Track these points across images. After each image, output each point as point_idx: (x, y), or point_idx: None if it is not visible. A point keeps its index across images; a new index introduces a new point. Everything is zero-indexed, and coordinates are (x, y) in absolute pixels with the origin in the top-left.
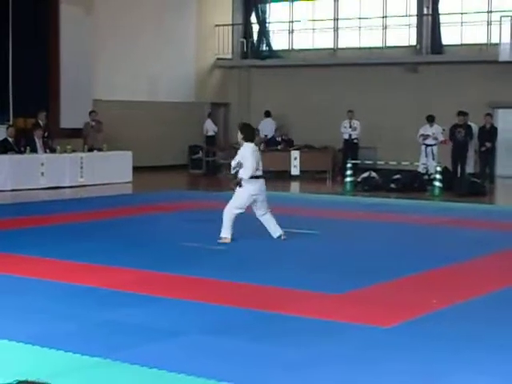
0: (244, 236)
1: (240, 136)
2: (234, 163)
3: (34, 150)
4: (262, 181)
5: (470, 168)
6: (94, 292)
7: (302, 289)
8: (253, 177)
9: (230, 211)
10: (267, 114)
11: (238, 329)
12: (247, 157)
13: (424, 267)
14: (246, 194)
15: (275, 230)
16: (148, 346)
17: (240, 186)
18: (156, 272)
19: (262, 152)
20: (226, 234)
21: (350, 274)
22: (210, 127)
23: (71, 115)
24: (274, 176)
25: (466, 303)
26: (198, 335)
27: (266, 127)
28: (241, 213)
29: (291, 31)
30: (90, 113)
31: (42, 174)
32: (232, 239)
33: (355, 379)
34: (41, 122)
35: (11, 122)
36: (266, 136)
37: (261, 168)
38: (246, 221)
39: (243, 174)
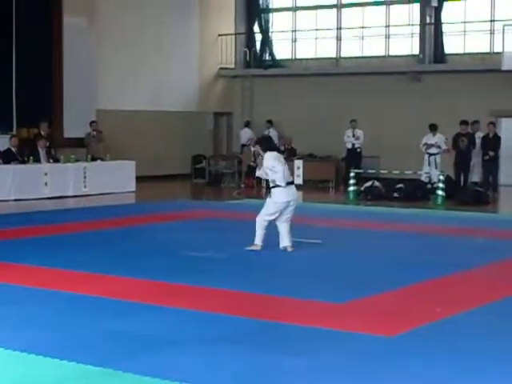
0: (244, 245)
1: (259, 148)
2: (265, 175)
3: (37, 160)
4: (293, 186)
5: (475, 177)
6: (96, 301)
7: (305, 298)
8: (287, 183)
9: (262, 219)
10: (270, 123)
11: (239, 338)
12: (274, 165)
13: (427, 276)
14: (280, 201)
15: (284, 240)
16: (150, 356)
17: (270, 194)
18: (158, 281)
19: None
20: (256, 241)
21: (353, 283)
22: (246, 136)
23: (75, 125)
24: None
25: (469, 312)
26: (200, 344)
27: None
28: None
29: (294, 40)
30: (91, 123)
31: (46, 183)
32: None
33: None
34: (43, 133)
35: (14, 132)
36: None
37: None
38: (249, 229)
39: (278, 181)
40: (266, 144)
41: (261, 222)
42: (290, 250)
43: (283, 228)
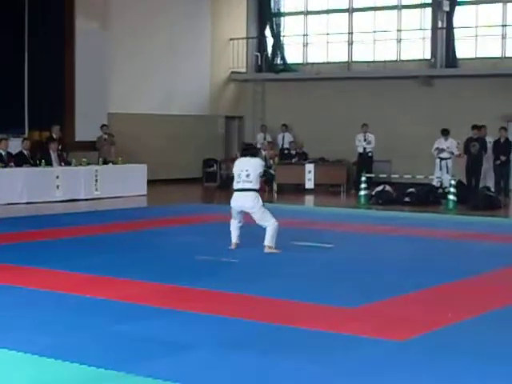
0: (256, 248)
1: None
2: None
3: (49, 163)
4: (244, 193)
5: (488, 182)
6: (108, 304)
7: (316, 302)
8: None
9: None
10: (285, 127)
11: (252, 342)
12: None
13: (439, 281)
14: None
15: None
16: (161, 359)
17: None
18: (169, 285)
19: (276, 165)
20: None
21: (363, 288)
22: (260, 140)
23: (86, 128)
24: (288, 189)
25: (481, 317)
26: (213, 348)
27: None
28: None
29: (305, 44)
30: (102, 126)
31: (58, 186)
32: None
33: None
34: (54, 136)
35: (26, 135)
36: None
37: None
38: (259, 233)
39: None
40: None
41: (231, 223)
42: (266, 250)
43: (266, 230)
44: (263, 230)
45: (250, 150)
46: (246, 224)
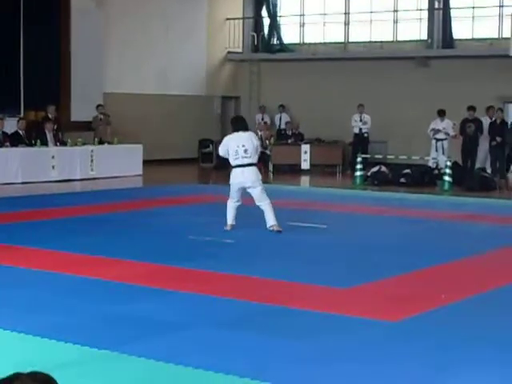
0: (252, 229)
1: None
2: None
3: (44, 143)
4: (248, 169)
5: (484, 163)
6: (102, 285)
7: (310, 283)
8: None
9: (228, 201)
10: (282, 108)
11: (245, 322)
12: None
13: (433, 262)
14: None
15: (268, 221)
16: (156, 339)
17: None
18: (164, 265)
19: (272, 145)
20: (228, 221)
21: (357, 268)
22: (258, 120)
23: (82, 108)
24: (284, 170)
25: (474, 298)
26: (206, 328)
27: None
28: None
29: (302, 25)
30: (98, 106)
31: (53, 166)
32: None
33: (364, 373)
34: (50, 116)
35: (22, 115)
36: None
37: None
38: (255, 214)
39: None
40: (232, 125)
41: (228, 204)
42: (275, 229)
43: (263, 209)
44: (257, 210)
45: (240, 124)
46: (241, 205)
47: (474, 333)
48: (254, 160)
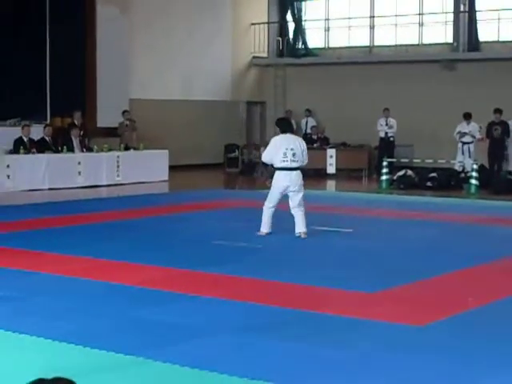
0: (279, 233)
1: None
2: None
3: (70, 149)
4: (293, 172)
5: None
6: (128, 290)
7: (337, 287)
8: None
9: (265, 206)
10: (308, 112)
11: (272, 327)
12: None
13: (460, 265)
14: (276, 185)
15: (297, 227)
16: (182, 345)
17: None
18: (190, 270)
19: None
20: (262, 228)
21: (384, 273)
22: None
23: (108, 114)
24: (309, 174)
25: (503, 301)
26: (232, 334)
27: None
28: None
29: (327, 29)
30: (124, 112)
31: (79, 173)
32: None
33: (393, 379)
34: (76, 122)
35: (48, 122)
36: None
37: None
38: (282, 219)
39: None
40: (280, 126)
41: (265, 209)
42: (303, 236)
43: (295, 215)
44: (285, 214)
45: (288, 125)
46: (277, 210)
47: (503, 337)
48: (301, 164)
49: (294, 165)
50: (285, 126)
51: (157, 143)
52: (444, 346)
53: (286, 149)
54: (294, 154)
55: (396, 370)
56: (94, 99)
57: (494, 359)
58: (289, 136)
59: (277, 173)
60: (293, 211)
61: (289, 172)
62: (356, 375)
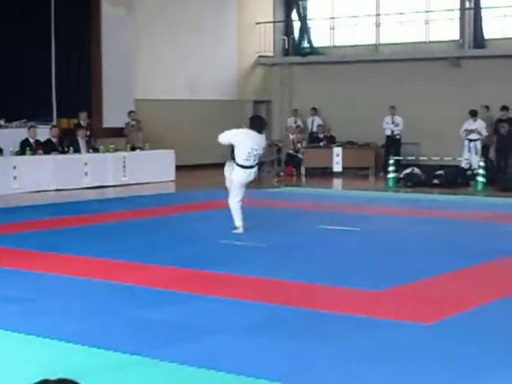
0: (283, 233)
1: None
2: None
3: (77, 150)
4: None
5: None
6: (135, 290)
7: (343, 286)
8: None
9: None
10: (314, 111)
11: (277, 326)
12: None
13: (467, 263)
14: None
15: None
16: (188, 344)
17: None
18: (196, 270)
19: (304, 149)
20: (236, 223)
21: (391, 270)
22: (291, 123)
23: (114, 115)
24: (316, 173)
25: (506, 300)
26: (238, 333)
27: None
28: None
29: (332, 28)
30: (129, 113)
31: (86, 173)
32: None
33: (400, 377)
34: (82, 123)
35: (54, 123)
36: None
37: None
38: (288, 218)
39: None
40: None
41: (231, 204)
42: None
43: (239, 207)
44: (288, 214)
45: (258, 125)
46: (284, 209)
47: (507, 334)
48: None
49: (255, 163)
50: (255, 124)
51: (163, 143)
52: (450, 344)
53: (251, 149)
54: (255, 155)
55: (401, 368)
56: (100, 100)
57: (502, 358)
58: (254, 135)
59: (238, 168)
60: (240, 203)
61: (248, 170)
62: (361, 373)
